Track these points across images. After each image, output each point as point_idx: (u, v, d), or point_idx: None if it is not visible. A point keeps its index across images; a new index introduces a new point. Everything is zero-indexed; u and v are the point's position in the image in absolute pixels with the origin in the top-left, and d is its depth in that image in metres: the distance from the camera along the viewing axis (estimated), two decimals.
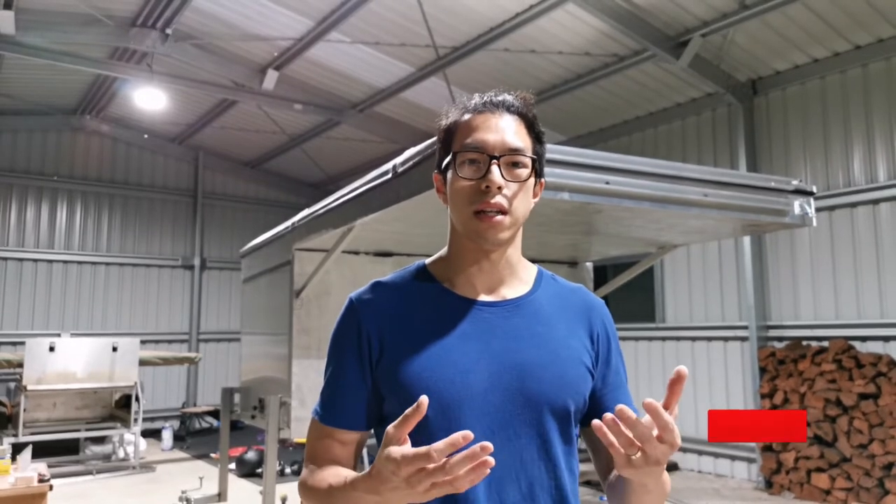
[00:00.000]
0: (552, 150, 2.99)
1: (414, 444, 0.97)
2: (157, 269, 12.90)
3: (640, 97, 8.79)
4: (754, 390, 7.59)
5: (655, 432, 0.97)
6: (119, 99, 11.30)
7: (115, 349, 8.95)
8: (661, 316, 8.91)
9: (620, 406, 0.97)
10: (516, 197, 1.20)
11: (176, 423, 11.84)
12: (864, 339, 6.88)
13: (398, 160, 3.42)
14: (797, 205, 3.89)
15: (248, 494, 7.28)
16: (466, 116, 1.24)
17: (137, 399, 8.84)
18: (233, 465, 8.16)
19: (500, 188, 1.17)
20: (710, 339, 8.32)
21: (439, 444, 0.91)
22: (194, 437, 11.27)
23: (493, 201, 1.17)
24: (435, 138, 1.57)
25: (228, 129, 12.11)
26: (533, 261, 1.35)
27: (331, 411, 1.26)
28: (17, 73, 10.09)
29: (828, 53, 7.29)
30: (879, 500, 6.34)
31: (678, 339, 8.65)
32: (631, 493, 1.17)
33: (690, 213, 3.56)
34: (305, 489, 1.23)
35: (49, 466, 5.10)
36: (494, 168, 1.18)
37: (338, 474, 1.17)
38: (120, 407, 9.42)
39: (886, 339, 6.72)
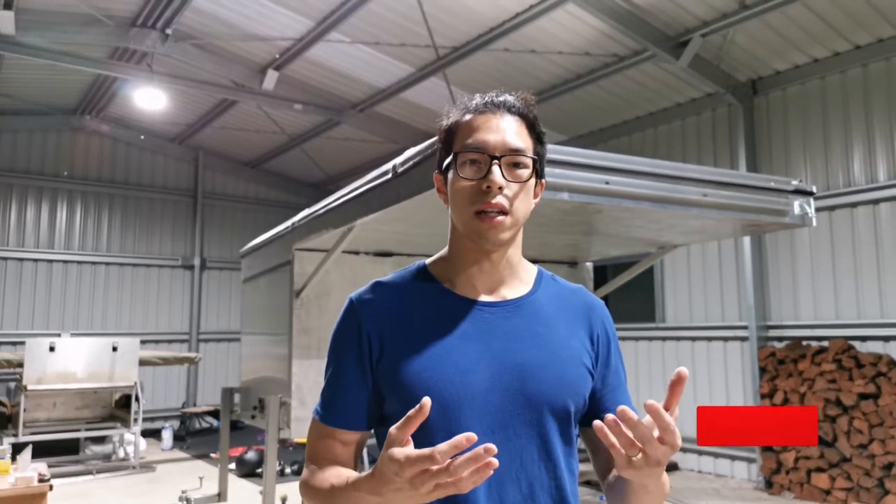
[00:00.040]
0: (552, 150, 2.99)
1: (414, 445, 0.98)
2: (157, 269, 12.90)
3: (640, 97, 8.79)
4: (754, 390, 7.59)
5: (656, 433, 0.97)
6: (119, 99, 11.30)
7: (115, 349, 8.95)
8: (661, 316, 8.91)
9: (622, 407, 0.97)
10: (517, 197, 1.20)
11: (176, 423, 11.84)
12: (864, 339, 6.88)
13: (398, 160, 3.42)
14: (797, 205, 3.89)
15: (248, 494, 7.28)
16: (467, 117, 1.24)
17: (137, 399, 8.84)
18: (233, 465, 8.16)
19: (500, 188, 1.17)
20: (710, 339, 8.32)
21: (443, 446, 0.91)
22: (194, 437, 11.28)
23: (493, 201, 1.17)
24: (435, 138, 1.57)
25: (228, 129, 12.12)
26: (533, 261, 1.35)
27: (331, 411, 1.26)
28: (17, 73, 10.09)
29: (828, 53, 7.30)
30: (879, 500, 6.35)
31: (678, 339, 8.66)
32: (631, 493, 1.17)
33: (690, 213, 3.56)
34: (307, 489, 1.23)
35: (49, 466, 5.09)
36: (495, 168, 1.18)
37: (339, 475, 1.17)
38: (120, 407, 9.42)
39: (886, 339, 6.72)
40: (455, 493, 0.95)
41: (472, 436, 0.91)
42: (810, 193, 3.96)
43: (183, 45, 8.75)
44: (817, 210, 5.96)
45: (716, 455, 8.15)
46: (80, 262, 12.11)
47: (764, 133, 7.94)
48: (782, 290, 7.64)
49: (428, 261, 1.33)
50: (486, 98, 1.25)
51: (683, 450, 8.29)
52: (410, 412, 0.97)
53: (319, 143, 12.06)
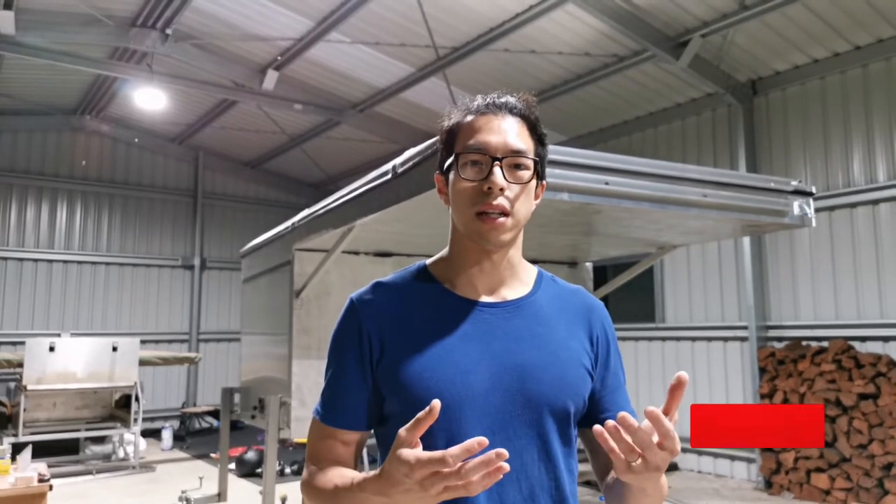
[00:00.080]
0: (552, 151, 2.99)
1: None
2: (157, 269, 12.90)
3: (640, 97, 8.79)
4: (754, 390, 7.59)
5: (656, 439, 0.98)
6: (119, 99, 11.30)
7: (115, 349, 8.95)
8: (660, 316, 8.92)
9: (622, 413, 0.98)
10: (518, 199, 1.20)
11: (176, 423, 11.84)
12: (863, 339, 6.88)
13: (398, 160, 3.42)
14: (796, 205, 3.90)
15: (247, 494, 7.28)
16: (469, 118, 1.25)
17: (137, 399, 8.85)
18: (233, 465, 8.16)
19: (502, 190, 1.18)
20: (709, 339, 8.33)
21: (455, 450, 0.92)
22: (194, 437, 11.28)
23: (495, 203, 1.18)
24: (435, 139, 1.58)
25: (228, 129, 12.12)
26: (533, 261, 1.35)
27: (332, 411, 1.26)
28: (17, 73, 10.09)
29: (828, 54, 7.30)
30: (879, 500, 6.35)
31: (678, 339, 8.66)
32: (630, 496, 1.17)
33: (690, 213, 3.56)
34: (309, 489, 1.24)
35: (49, 466, 5.10)
36: (497, 170, 1.18)
37: (343, 475, 1.18)
38: (120, 407, 9.42)
39: (886, 339, 6.72)
40: (465, 496, 0.95)
41: (484, 440, 0.92)
42: (810, 194, 3.97)
43: (183, 45, 8.75)
44: (817, 210, 5.96)
45: (715, 455, 8.16)
46: (80, 262, 12.11)
47: (764, 133, 7.94)
48: (782, 291, 7.65)
49: (428, 261, 1.34)
50: (488, 99, 1.25)
51: (683, 450, 8.27)
52: (420, 414, 0.97)
53: (319, 143, 12.07)
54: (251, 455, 8.37)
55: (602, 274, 8.26)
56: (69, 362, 8.69)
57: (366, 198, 3.76)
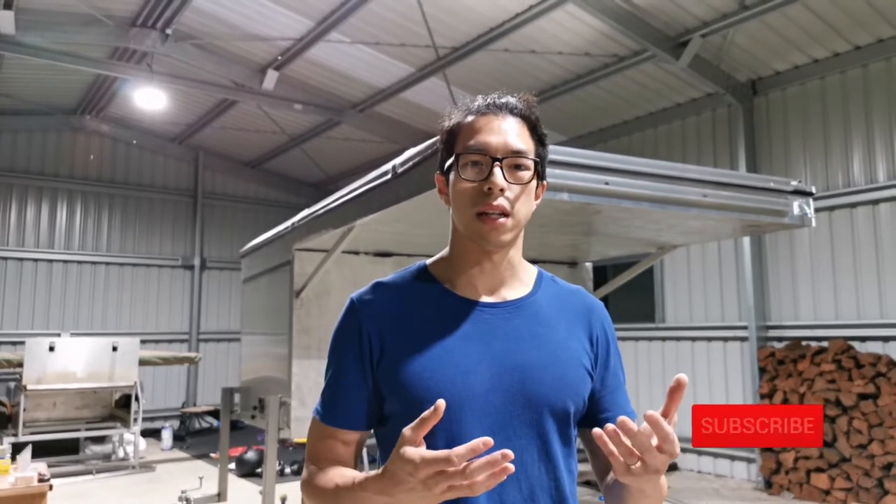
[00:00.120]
0: (552, 151, 2.98)
1: None
2: (157, 269, 12.90)
3: (639, 97, 8.79)
4: (754, 390, 7.59)
5: (655, 442, 0.98)
6: (119, 99, 11.30)
7: (115, 349, 8.96)
8: (660, 316, 8.92)
9: (622, 417, 0.98)
10: (518, 199, 1.20)
11: (176, 423, 11.84)
12: (863, 339, 6.88)
13: (398, 160, 3.42)
14: (796, 205, 3.90)
15: (247, 494, 7.28)
16: (469, 118, 1.25)
17: (137, 399, 8.85)
18: (233, 465, 8.16)
19: (502, 190, 1.18)
20: (709, 339, 8.33)
21: (460, 449, 0.92)
22: (194, 436, 11.28)
23: (495, 203, 1.18)
24: (435, 139, 1.58)
25: (228, 129, 12.12)
26: (533, 261, 1.35)
27: (332, 411, 1.26)
28: (17, 73, 10.09)
29: (828, 54, 7.30)
30: (879, 500, 6.35)
31: (678, 339, 8.66)
32: (629, 497, 1.18)
33: (690, 213, 3.57)
34: (310, 489, 1.23)
35: (49, 466, 5.10)
36: (497, 170, 1.18)
37: (344, 475, 1.18)
38: (120, 407, 9.42)
39: (886, 339, 6.72)
40: (468, 496, 0.95)
41: (489, 440, 0.92)
42: (810, 194, 3.97)
43: (183, 45, 8.75)
44: (817, 210, 5.94)
45: (715, 455, 8.16)
46: (80, 262, 12.11)
47: (764, 133, 7.94)
48: (782, 291, 7.65)
49: (428, 261, 1.34)
50: (488, 99, 1.25)
51: (683, 450, 8.27)
52: (425, 413, 0.97)
53: (319, 143, 12.07)
54: (251, 455, 8.37)
55: (602, 274, 8.25)
56: (69, 362, 8.69)
57: (366, 198, 3.77)
